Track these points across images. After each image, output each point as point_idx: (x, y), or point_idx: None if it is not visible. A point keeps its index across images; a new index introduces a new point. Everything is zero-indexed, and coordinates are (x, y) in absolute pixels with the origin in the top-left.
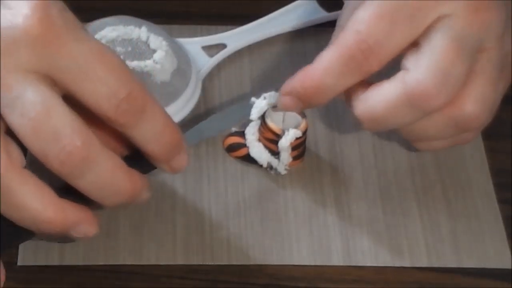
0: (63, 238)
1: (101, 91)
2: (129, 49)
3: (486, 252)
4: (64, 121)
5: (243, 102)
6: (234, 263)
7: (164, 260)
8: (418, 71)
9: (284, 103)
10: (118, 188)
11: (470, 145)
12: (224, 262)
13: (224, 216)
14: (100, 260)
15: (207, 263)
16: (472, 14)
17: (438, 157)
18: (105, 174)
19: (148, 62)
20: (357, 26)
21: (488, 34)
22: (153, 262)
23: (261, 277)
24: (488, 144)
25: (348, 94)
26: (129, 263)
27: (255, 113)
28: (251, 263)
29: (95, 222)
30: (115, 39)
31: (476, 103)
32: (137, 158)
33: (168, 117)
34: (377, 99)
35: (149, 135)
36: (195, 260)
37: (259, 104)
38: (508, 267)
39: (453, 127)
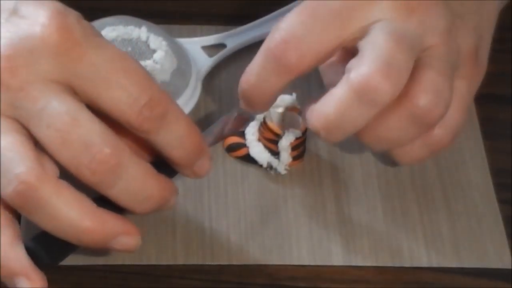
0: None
1: (122, 98)
2: (129, 49)
3: (486, 252)
4: (92, 130)
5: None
6: (234, 263)
7: (164, 260)
8: (360, 66)
9: (242, 105)
10: (149, 194)
11: (470, 145)
12: (224, 262)
13: (224, 216)
14: (100, 260)
15: (207, 263)
16: (406, 15)
17: (438, 157)
18: (136, 180)
19: (148, 62)
20: (278, 24)
21: (428, 31)
22: (153, 262)
23: (261, 277)
24: (488, 144)
25: (303, 113)
26: (129, 263)
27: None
28: (251, 263)
29: (137, 234)
30: (115, 39)
31: (428, 94)
32: (161, 164)
33: (190, 121)
34: (328, 105)
35: (172, 140)
36: (195, 260)
37: None
38: (508, 267)
39: (413, 123)
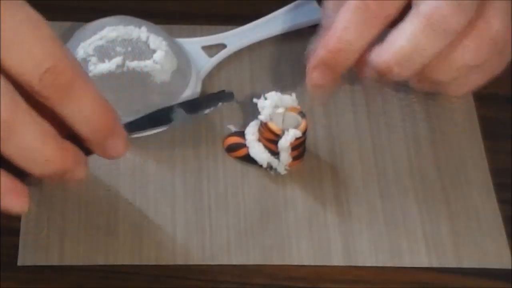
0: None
1: (26, 61)
2: (129, 49)
3: (486, 252)
4: None
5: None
6: (234, 263)
7: (164, 260)
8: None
9: (313, 79)
10: (48, 156)
11: (470, 145)
12: (224, 262)
13: (224, 216)
14: (100, 260)
15: (207, 263)
16: None
17: (438, 157)
18: (32, 139)
19: (148, 62)
20: None
21: None
22: (153, 262)
23: (261, 277)
24: (488, 144)
25: (363, 61)
26: (129, 263)
27: (264, 114)
28: (251, 263)
29: (24, 196)
30: (115, 39)
31: (501, 18)
32: (77, 143)
33: (100, 98)
34: (400, 39)
35: (77, 114)
36: (195, 260)
37: (263, 104)
38: (508, 267)
39: (487, 48)
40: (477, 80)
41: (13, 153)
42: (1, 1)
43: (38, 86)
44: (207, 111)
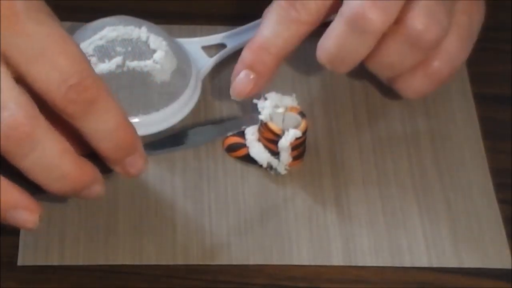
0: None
1: (51, 76)
2: (129, 49)
3: (486, 252)
4: (10, 96)
5: (238, 118)
6: (234, 263)
7: (164, 260)
8: (352, 1)
9: (237, 85)
10: (64, 173)
11: (470, 145)
12: (224, 262)
13: (224, 216)
14: (100, 260)
15: (207, 263)
16: None
17: (438, 157)
18: (50, 156)
19: (148, 62)
20: None
21: None
22: (153, 262)
23: (261, 277)
24: (488, 144)
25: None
26: (129, 263)
27: (264, 114)
28: (251, 263)
29: (36, 212)
30: (115, 39)
31: (422, 17)
32: (94, 159)
33: (122, 115)
34: (328, 39)
35: (99, 131)
36: (195, 260)
37: (263, 105)
38: (508, 267)
39: (410, 47)
40: (423, 83)
41: (31, 168)
42: (28, 13)
43: (62, 102)
44: (229, 134)
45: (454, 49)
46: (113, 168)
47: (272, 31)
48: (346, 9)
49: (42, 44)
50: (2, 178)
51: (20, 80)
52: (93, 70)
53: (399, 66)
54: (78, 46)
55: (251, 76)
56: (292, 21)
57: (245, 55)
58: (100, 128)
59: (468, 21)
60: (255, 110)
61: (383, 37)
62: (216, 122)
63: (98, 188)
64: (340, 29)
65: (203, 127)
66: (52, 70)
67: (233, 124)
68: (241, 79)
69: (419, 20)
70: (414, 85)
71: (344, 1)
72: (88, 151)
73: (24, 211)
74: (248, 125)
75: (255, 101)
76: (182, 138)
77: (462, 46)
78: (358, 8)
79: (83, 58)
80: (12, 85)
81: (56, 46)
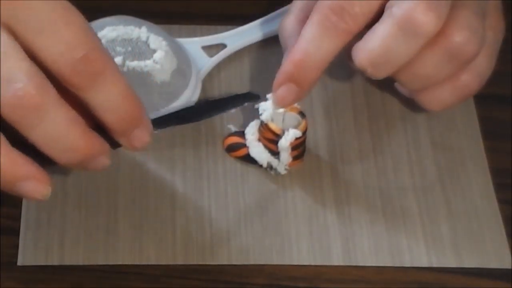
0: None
1: (58, 47)
2: (129, 49)
3: (486, 252)
4: (20, 66)
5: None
6: (234, 263)
7: (164, 260)
8: (403, 1)
9: (280, 96)
10: (73, 144)
11: (470, 145)
12: (224, 262)
13: (224, 216)
14: (100, 260)
15: (207, 263)
16: None
17: (438, 157)
18: (59, 126)
19: (148, 62)
20: None
21: None
22: (153, 262)
23: (261, 277)
24: (488, 144)
25: (348, 54)
26: (129, 263)
27: (265, 115)
28: (251, 263)
29: (46, 182)
30: (115, 39)
31: (463, 31)
32: (104, 134)
33: (128, 88)
34: (373, 41)
35: (105, 102)
36: (195, 260)
37: (266, 106)
38: (508, 267)
39: (448, 60)
40: (450, 96)
41: (40, 139)
42: None
43: (69, 73)
44: (233, 110)
45: (483, 64)
46: (118, 140)
47: (316, 44)
48: (397, 10)
49: (47, 16)
50: (12, 149)
51: (28, 52)
52: (99, 41)
53: (432, 78)
54: (84, 18)
55: (293, 89)
56: (339, 32)
57: (287, 67)
58: (106, 99)
59: (495, 37)
60: (255, 110)
61: (421, 47)
62: (218, 99)
63: (105, 160)
64: (389, 30)
65: (206, 104)
66: (57, 42)
67: (235, 99)
68: (284, 91)
69: (460, 33)
70: (440, 98)
71: (394, 2)
72: (94, 124)
73: (34, 182)
74: (250, 101)
75: (256, 106)
76: (184, 116)
77: (490, 61)
78: (412, 9)
79: (89, 30)
80: (22, 56)
81: (61, 18)
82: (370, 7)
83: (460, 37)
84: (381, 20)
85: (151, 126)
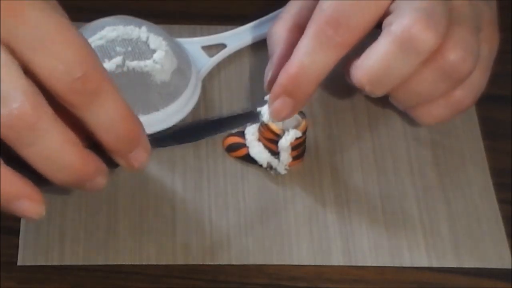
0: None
1: (56, 66)
2: (129, 49)
3: (486, 252)
4: (17, 85)
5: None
6: (234, 263)
7: (164, 260)
8: (401, 19)
9: (276, 109)
10: (67, 163)
11: (470, 145)
12: (224, 262)
13: (224, 216)
14: (100, 260)
15: (207, 263)
16: None
17: (438, 157)
18: (55, 146)
19: (148, 62)
20: (322, 7)
21: None
22: (153, 262)
23: (261, 277)
24: (488, 144)
25: (346, 70)
26: (129, 263)
27: (266, 117)
28: (251, 263)
29: (40, 202)
30: (115, 39)
31: (458, 49)
32: (101, 154)
33: (127, 108)
34: (371, 59)
35: (103, 122)
36: (195, 260)
37: (266, 109)
38: (508, 267)
39: (443, 78)
40: (444, 111)
41: (34, 158)
42: (33, 2)
43: (67, 92)
44: (234, 130)
45: (477, 79)
46: (116, 160)
47: (311, 58)
48: (396, 28)
49: (46, 34)
50: (6, 168)
51: (25, 70)
52: (98, 60)
53: (427, 95)
54: (83, 37)
55: (289, 102)
56: (335, 46)
57: (283, 81)
58: (104, 119)
59: (489, 51)
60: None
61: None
62: (218, 119)
63: (101, 180)
64: (388, 48)
65: (205, 124)
66: (56, 61)
67: (237, 120)
68: (279, 104)
69: (456, 52)
70: (434, 113)
71: (392, 18)
72: (91, 144)
73: (28, 202)
74: (252, 122)
75: (258, 109)
76: (184, 135)
77: (483, 75)
78: (411, 27)
79: (89, 49)
80: (20, 74)
81: (60, 36)
82: (366, 21)
83: (455, 56)
84: (379, 38)
85: (149, 146)
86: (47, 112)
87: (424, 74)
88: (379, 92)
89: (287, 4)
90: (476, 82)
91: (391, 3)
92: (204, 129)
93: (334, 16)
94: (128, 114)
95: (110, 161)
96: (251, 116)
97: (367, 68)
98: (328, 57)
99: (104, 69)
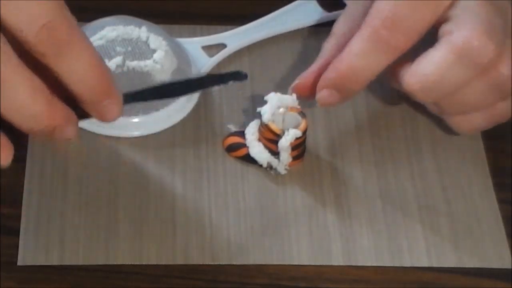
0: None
1: (23, 16)
2: (129, 49)
3: (486, 252)
4: None
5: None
6: (234, 263)
7: (164, 260)
8: (463, 29)
9: (322, 98)
10: (36, 112)
11: (470, 145)
12: (224, 262)
13: (224, 216)
14: (100, 260)
15: (207, 263)
16: None
17: (438, 157)
18: (22, 94)
19: (148, 62)
20: (378, 7)
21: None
22: (153, 262)
23: (261, 277)
24: (488, 144)
25: (394, 75)
26: (129, 263)
27: (266, 117)
28: (251, 263)
29: (9, 150)
30: (115, 39)
31: (510, 63)
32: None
33: (97, 58)
34: (427, 66)
35: (73, 72)
36: (195, 260)
37: (266, 109)
38: (508, 267)
39: (492, 91)
40: (483, 122)
41: (3, 108)
42: None
43: (34, 42)
44: (216, 87)
45: None
46: (88, 111)
47: (363, 59)
48: (457, 39)
49: None
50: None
51: None
52: (67, 12)
53: (472, 105)
54: None
55: (335, 94)
56: (389, 49)
57: (332, 75)
58: (74, 69)
59: None
60: (255, 110)
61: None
62: (201, 77)
63: (71, 129)
64: (446, 57)
65: (185, 80)
66: (23, 11)
67: (218, 78)
68: (326, 94)
69: (508, 65)
70: (473, 123)
71: (451, 27)
72: (64, 95)
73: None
74: (237, 80)
75: (258, 109)
76: (162, 90)
77: None
78: (472, 37)
79: (55, 2)
80: None
81: None
82: (422, 25)
83: (507, 70)
84: (437, 46)
85: (121, 98)
86: (13, 60)
87: (475, 85)
88: (428, 99)
89: (337, 20)
90: None
91: (448, 8)
92: (184, 86)
93: (390, 18)
94: (98, 64)
95: (82, 112)
96: (237, 75)
97: (421, 75)
98: (381, 59)
99: (73, 20)
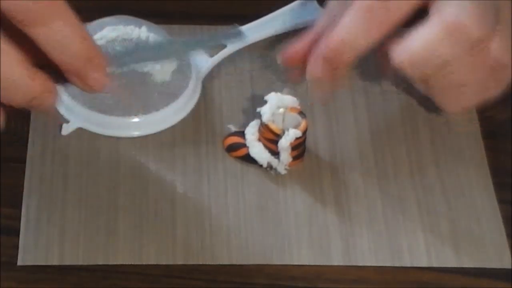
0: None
1: None
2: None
3: (486, 252)
4: None
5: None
6: (234, 263)
7: (164, 260)
8: (454, 6)
9: (312, 70)
10: (17, 84)
11: (470, 145)
12: (224, 262)
13: (224, 216)
14: (100, 260)
15: (207, 263)
16: None
17: (438, 157)
18: (2, 68)
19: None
20: None
21: None
22: (153, 262)
23: (261, 277)
24: (488, 144)
25: (384, 50)
26: (129, 263)
27: (266, 117)
28: (251, 263)
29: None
30: (115, 39)
31: (501, 42)
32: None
33: (79, 25)
34: (417, 42)
35: (53, 40)
36: (195, 260)
37: (266, 110)
38: (508, 267)
39: (481, 67)
40: (469, 98)
41: None
42: None
43: (12, 9)
44: (209, 44)
45: (508, 70)
46: (72, 82)
47: (356, 33)
48: (447, 16)
49: None
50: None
51: None
52: None
53: (461, 82)
54: None
55: (327, 68)
56: (382, 22)
57: (324, 49)
58: (54, 37)
59: None
60: (255, 109)
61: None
62: (197, 39)
63: (50, 99)
64: (436, 34)
65: (178, 40)
66: None
67: (212, 37)
68: (318, 66)
69: (497, 44)
70: (461, 101)
71: (443, 5)
72: (45, 63)
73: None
74: (230, 39)
75: (258, 109)
76: (152, 51)
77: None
78: (463, 16)
79: None
80: None
81: None
82: (414, 1)
83: (498, 48)
84: (427, 22)
85: (106, 64)
86: None
87: (464, 61)
88: (416, 75)
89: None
90: (506, 73)
91: None
92: (172, 47)
93: None
94: (79, 31)
95: (59, 77)
96: (233, 33)
97: (411, 51)
98: (372, 33)
99: None
